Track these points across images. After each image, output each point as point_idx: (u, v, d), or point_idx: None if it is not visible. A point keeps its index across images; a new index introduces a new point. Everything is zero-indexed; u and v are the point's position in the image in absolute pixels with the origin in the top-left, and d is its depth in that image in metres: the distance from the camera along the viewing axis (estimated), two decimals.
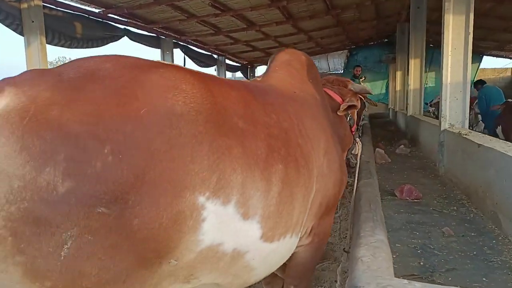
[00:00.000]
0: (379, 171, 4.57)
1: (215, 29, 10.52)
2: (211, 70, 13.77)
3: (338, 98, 2.74)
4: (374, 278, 1.52)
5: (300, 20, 10.59)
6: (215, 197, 1.25)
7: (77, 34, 6.99)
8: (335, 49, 17.64)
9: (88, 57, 1.30)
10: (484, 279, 2.08)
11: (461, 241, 2.64)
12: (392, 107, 14.68)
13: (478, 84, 8.48)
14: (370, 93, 2.95)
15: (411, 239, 2.69)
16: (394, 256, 2.10)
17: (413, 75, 8.70)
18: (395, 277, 1.56)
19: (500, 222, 2.88)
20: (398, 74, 12.77)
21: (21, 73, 1.16)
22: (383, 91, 17.79)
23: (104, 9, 7.62)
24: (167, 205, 1.11)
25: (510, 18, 11.12)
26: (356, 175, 3.01)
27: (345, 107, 2.59)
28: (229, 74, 15.95)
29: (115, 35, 8.14)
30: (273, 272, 1.86)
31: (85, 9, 7.30)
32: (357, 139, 3.04)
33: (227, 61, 15.32)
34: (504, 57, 17.79)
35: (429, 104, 12.33)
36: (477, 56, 15.84)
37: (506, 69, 18.69)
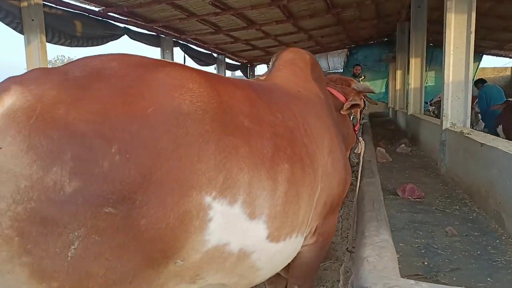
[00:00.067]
0: (380, 170, 4.55)
1: (215, 28, 10.50)
2: (211, 69, 13.75)
3: (341, 97, 2.73)
4: (380, 279, 1.51)
5: (300, 19, 10.56)
6: (221, 196, 1.24)
7: (77, 32, 6.97)
8: (335, 48, 17.62)
9: (93, 55, 1.28)
10: (489, 279, 2.08)
11: (464, 240, 2.63)
12: (392, 106, 14.68)
13: (479, 83, 8.46)
14: (374, 92, 2.94)
15: (414, 238, 2.68)
16: (398, 256, 2.08)
17: (414, 74, 8.70)
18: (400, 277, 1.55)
19: (504, 222, 2.87)
20: (398, 73, 12.76)
21: (27, 72, 1.14)
22: (383, 90, 17.78)
23: (104, 7, 7.59)
24: (174, 205, 1.10)
25: (510, 17, 11.11)
26: (359, 174, 3.00)
27: (349, 106, 2.58)
28: (228, 73, 15.92)
29: (115, 34, 8.12)
30: (276, 272, 1.85)
31: (85, 8, 7.27)
32: (360, 138, 3.04)
33: (227, 60, 15.30)
34: (503, 56, 17.80)
35: (429, 103, 12.32)
36: (477, 55, 15.83)
37: (506, 68, 18.69)
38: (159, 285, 1.17)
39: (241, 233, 1.34)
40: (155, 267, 1.13)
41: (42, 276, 0.97)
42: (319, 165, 1.82)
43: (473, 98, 7.59)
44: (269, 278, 2.24)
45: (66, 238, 0.95)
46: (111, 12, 7.80)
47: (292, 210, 1.55)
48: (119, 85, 1.14)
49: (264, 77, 3.31)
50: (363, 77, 11.61)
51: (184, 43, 11.41)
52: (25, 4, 5.79)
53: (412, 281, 1.44)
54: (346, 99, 2.74)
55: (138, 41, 9.17)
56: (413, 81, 8.73)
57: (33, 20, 5.88)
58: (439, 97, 11.55)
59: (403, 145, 6.83)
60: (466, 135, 3.96)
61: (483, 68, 18.05)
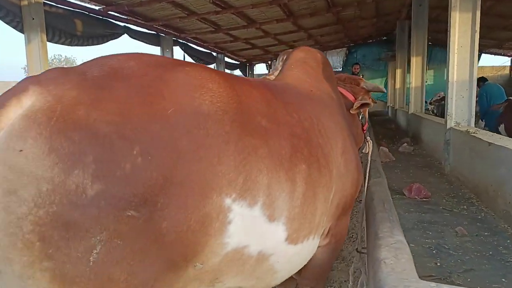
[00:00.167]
0: (384, 170, 4.53)
1: (215, 26, 10.47)
2: None
3: (350, 96, 2.71)
4: (400, 281, 1.49)
5: (300, 18, 10.55)
6: (241, 198, 1.22)
7: (78, 31, 6.93)
8: (334, 47, 17.63)
9: (109, 55, 1.27)
10: (503, 279, 2.06)
11: (475, 240, 2.61)
12: (392, 105, 14.68)
13: (479, 81, 8.43)
14: (383, 91, 2.92)
15: (425, 239, 2.67)
16: None
17: (415, 73, 8.69)
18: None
19: None
20: (398, 72, 12.77)
21: (44, 72, 1.12)
22: None
23: (104, 6, 7.55)
24: (194, 207, 1.09)
25: (510, 16, 11.12)
26: (367, 174, 2.98)
27: (358, 105, 2.56)
28: (227, 72, 15.92)
29: (115, 33, 8.08)
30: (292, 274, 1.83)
31: (85, 6, 7.23)
32: (368, 138, 3.02)
33: (226, 59, 15.28)
34: (502, 55, 17.86)
35: (428, 102, 12.33)
36: None
37: (505, 67, 18.76)
38: None
39: (260, 235, 1.33)
40: (175, 270, 1.11)
41: (63, 281, 0.95)
42: (333, 166, 1.80)
43: None
44: None
45: (88, 242, 0.93)
46: (111, 11, 7.76)
47: (309, 211, 1.54)
48: (139, 85, 1.12)
49: (272, 76, 3.29)
50: (362, 76, 11.61)
51: (183, 42, 11.39)
52: (25, 2, 5.75)
53: (433, 284, 1.42)
54: (355, 98, 2.72)
55: (138, 40, 9.15)
56: (414, 80, 8.73)
57: (33, 19, 5.84)
58: (439, 96, 11.61)
59: (405, 144, 6.82)
60: (473, 134, 3.94)
61: (482, 67, 18.10)
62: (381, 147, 5.93)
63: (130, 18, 8.55)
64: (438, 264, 2.28)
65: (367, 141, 2.97)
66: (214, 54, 14.25)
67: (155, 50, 10.28)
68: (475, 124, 4.87)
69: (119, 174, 0.97)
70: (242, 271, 1.35)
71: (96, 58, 1.25)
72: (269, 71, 19.06)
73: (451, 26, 4.62)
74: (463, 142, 4.24)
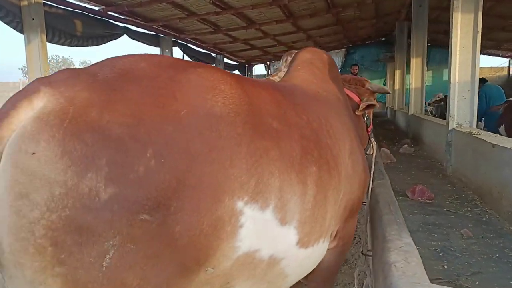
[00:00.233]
0: (386, 171, 4.52)
1: (214, 27, 10.46)
2: None
3: (355, 98, 2.70)
4: (412, 285, 1.48)
5: (300, 19, 10.55)
6: (253, 202, 1.21)
7: (77, 32, 6.90)
8: (333, 48, 17.62)
9: (120, 56, 1.25)
10: None
11: (481, 243, 2.60)
12: (391, 106, 14.69)
13: (479, 82, 8.45)
14: (389, 93, 2.91)
15: (430, 241, 2.65)
16: None
17: (415, 74, 8.69)
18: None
19: None
20: (397, 73, 12.78)
21: (55, 73, 1.10)
22: None
23: (104, 6, 7.53)
24: (207, 211, 1.07)
25: (509, 17, 11.15)
26: (371, 176, 2.96)
27: (364, 106, 2.54)
28: None
29: (115, 33, 8.06)
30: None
31: (85, 7, 7.20)
32: (372, 139, 3.00)
33: (225, 60, 15.27)
34: (500, 56, 17.89)
35: (427, 103, 12.34)
36: None
37: (503, 68, 18.80)
38: None
39: (272, 239, 1.31)
40: (187, 275, 1.09)
41: (75, 287, 0.93)
42: (342, 167, 1.78)
43: None
44: None
45: (101, 247, 0.92)
46: (111, 11, 7.73)
47: (320, 214, 1.53)
48: (151, 86, 1.10)
49: (275, 77, 3.28)
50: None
51: (183, 42, 11.37)
52: (25, 3, 5.71)
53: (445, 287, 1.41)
54: (360, 100, 2.70)
55: (138, 40, 9.13)
56: (414, 81, 8.73)
57: (33, 19, 5.80)
58: (438, 97, 11.61)
59: (405, 145, 6.81)
60: (476, 135, 3.93)
61: (480, 68, 17.98)
62: (382, 148, 5.92)
63: (130, 18, 8.53)
64: (446, 267, 2.27)
65: (371, 143, 2.96)
66: (213, 55, 14.24)
67: (155, 51, 10.24)
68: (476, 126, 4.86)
69: (133, 177, 0.95)
70: (253, 275, 1.33)
71: (106, 59, 1.23)
72: (267, 72, 19.07)
73: (453, 27, 4.61)
74: (466, 143, 4.23)
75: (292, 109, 1.56)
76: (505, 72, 18.68)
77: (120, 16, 8.23)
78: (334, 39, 15.34)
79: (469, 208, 3.39)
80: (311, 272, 2.04)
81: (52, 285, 0.92)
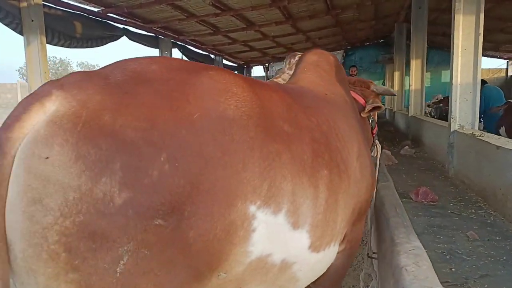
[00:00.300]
0: (388, 173, 4.52)
1: (214, 28, 10.45)
2: None
3: (361, 100, 2.68)
4: None
5: (299, 20, 10.56)
6: (266, 206, 1.19)
7: (77, 33, 6.87)
8: (332, 49, 17.64)
9: (131, 58, 1.23)
10: None
11: (487, 245, 2.59)
12: (390, 107, 14.71)
13: None
14: (394, 95, 2.90)
15: (436, 243, 2.64)
16: None
17: (414, 75, 8.70)
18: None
19: None
20: (396, 74, 12.80)
21: (66, 76, 1.08)
22: None
23: (103, 8, 7.50)
24: (220, 215, 1.06)
25: (508, 19, 11.18)
26: (376, 178, 2.94)
27: (370, 108, 2.53)
28: None
29: (114, 35, 8.04)
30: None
31: (84, 8, 7.18)
32: (376, 142, 2.99)
33: (224, 61, 15.27)
34: (498, 58, 17.95)
35: (426, 105, 12.35)
36: None
37: (501, 69, 18.87)
38: None
39: (284, 243, 1.30)
40: (200, 280, 1.08)
41: None
42: (351, 171, 1.77)
43: None
44: None
45: (115, 253, 0.90)
46: (110, 13, 7.71)
47: (332, 218, 1.51)
48: (164, 89, 1.08)
49: (279, 79, 3.26)
50: None
51: (182, 44, 11.36)
52: (24, 4, 5.69)
53: None
54: (365, 102, 2.69)
55: (137, 42, 9.11)
56: (414, 82, 8.73)
57: (32, 20, 5.78)
58: (437, 98, 11.62)
59: (406, 147, 6.81)
60: (479, 137, 3.92)
61: None
62: (383, 150, 5.92)
63: (129, 20, 8.51)
64: (453, 269, 2.25)
65: (376, 145, 2.95)
66: (212, 56, 14.24)
67: (154, 52, 10.22)
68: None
69: (147, 182, 0.93)
70: (265, 280, 1.32)
71: (117, 61, 1.21)
72: (266, 74, 19.08)
73: (454, 29, 4.61)
74: (468, 145, 4.22)
75: (302, 112, 1.55)
76: (503, 74, 18.75)
77: (120, 18, 8.21)
78: (333, 40, 15.37)
79: (473, 210, 3.38)
80: (319, 276, 2.03)
81: None
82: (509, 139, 3.81)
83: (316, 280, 2.04)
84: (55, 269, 0.89)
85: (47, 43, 6.12)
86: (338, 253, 1.95)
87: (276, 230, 1.25)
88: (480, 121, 7.79)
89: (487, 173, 3.61)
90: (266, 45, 14.00)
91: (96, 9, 7.46)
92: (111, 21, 8.00)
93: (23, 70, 47.19)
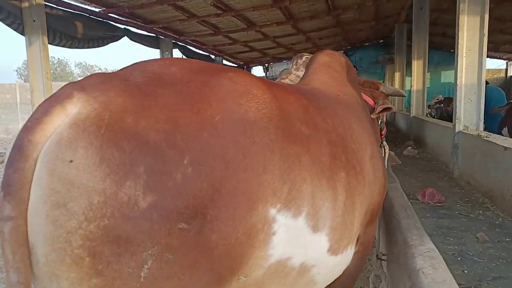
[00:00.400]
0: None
1: (214, 29, 10.44)
2: None
3: (370, 101, 2.66)
4: None
5: (300, 21, 10.55)
6: (286, 209, 1.18)
7: (78, 34, 6.85)
8: (331, 50, 17.64)
9: (149, 60, 1.22)
10: None
11: (498, 247, 2.58)
12: None
13: None
14: (404, 95, 2.88)
15: (447, 245, 2.63)
16: None
17: (416, 76, 8.69)
18: None
19: None
20: (397, 75, 12.81)
21: (86, 78, 1.06)
22: None
23: (104, 8, 7.48)
24: (242, 219, 1.05)
25: (507, 19, 11.20)
26: (387, 179, 2.92)
27: (380, 109, 2.51)
28: None
29: (115, 35, 8.02)
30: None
31: (86, 8, 7.15)
32: (384, 143, 2.98)
33: (224, 62, 15.26)
34: (498, 58, 17.99)
35: (426, 105, 12.35)
36: None
37: (500, 70, 18.90)
38: None
39: (304, 246, 1.28)
40: (220, 284, 1.07)
41: None
42: (366, 172, 1.76)
43: None
44: None
45: (139, 257, 0.89)
46: (111, 13, 7.69)
47: (349, 220, 1.50)
48: (185, 91, 1.07)
49: (287, 80, 3.25)
50: None
51: (182, 44, 11.34)
52: (26, 4, 5.66)
53: None
54: (375, 103, 2.67)
55: (138, 42, 9.09)
56: (415, 83, 8.73)
57: (34, 21, 5.75)
58: (437, 99, 11.63)
59: (409, 147, 6.80)
60: (485, 138, 3.91)
61: None
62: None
63: (130, 20, 8.49)
64: (466, 271, 2.24)
65: (384, 146, 2.93)
66: (212, 56, 14.24)
67: (155, 53, 10.21)
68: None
69: (171, 185, 0.92)
70: (284, 283, 1.31)
71: (135, 63, 1.20)
72: (266, 74, 19.07)
73: (459, 30, 4.60)
74: (474, 146, 4.21)
75: (318, 114, 1.53)
76: (502, 74, 18.79)
77: (121, 18, 8.18)
78: (333, 41, 15.37)
79: (480, 211, 3.37)
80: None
81: None
82: None
83: (330, 284, 2.04)
84: (78, 274, 0.87)
85: (48, 43, 6.09)
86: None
87: (296, 233, 1.24)
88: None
89: (494, 174, 3.60)
90: (266, 46, 13.99)
91: (97, 9, 7.43)
92: (112, 21, 7.98)
93: (21, 70, 47.12)
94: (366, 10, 10.71)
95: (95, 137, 0.89)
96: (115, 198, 0.87)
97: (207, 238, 0.97)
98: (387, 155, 2.95)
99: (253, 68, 18.99)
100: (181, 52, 11.22)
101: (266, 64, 18.68)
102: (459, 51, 4.63)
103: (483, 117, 4.70)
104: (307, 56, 3.35)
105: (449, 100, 10.04)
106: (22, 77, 45.38)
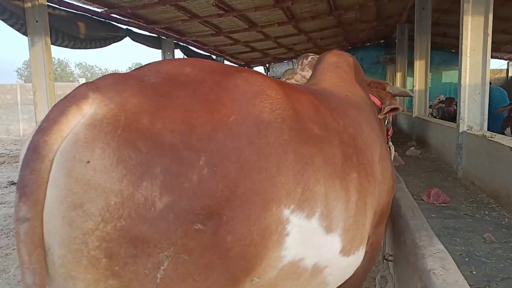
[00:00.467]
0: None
1: (216, 29, 10.44)
2: None
3: (377, 101, 2.65)
4: None
5: (302, 21, 10.56)
6: (299, 210, 1.18)
7: (80, 34, 6.85)
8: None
9: (162, 60, 1.23)
10: None
11: (505, 247, 2.57)
12: None
13: None
14: (411, 96, 2.87)
15: (454, 246, 2.62)
16: None
17: (418, 76, 8.68)
18: None
19: None
20: (398, 75, 12.81)
21: (100, 78, 1.06)
22: None
23: (107, 8, 7.48)
24: (256, 220, 1.05)
25: (509, 19, 11.19)
26: (395, 180, 2.92)
27: (388, 110, 2.50)
28: None
29: (117, 36, 8.02)
30: None
31: (88, 9, 7.15)
32: (390, 143, 2.97)
33: (225, 62, 15.27)
34: (499, 58, 17.98)
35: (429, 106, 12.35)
36: None
37: (501, 70, 18.88)
38: None
39: (316, 247, 1.29)
40: (235, 286, 1.07)
41: None
42: (376, 173, 1.75)
43: None
44: None
45: (156, 258, 0.89)
46: (113, 13, 7.69)
47: (361, 221, 1.50)
48: (199, 92, 1.07)
49: (292, 80, 3.24)
50: None
51: (184, 45, 11.34)
52: (29, 4, 5.65)
53: None
54: (381, 103, 2.66)
55: (140, 42, 9.09)
56: (418, 83, 8.72)
57: (37, 21, 5.74)
58: (439, 99, 11.62)
59: (412, 148, 6.79)
60: (490, 138, 3.90)
61: None
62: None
63: (132, 20, 8.49)
64: (474, 272, 2.23)
65: (389, 147, 2.93)
66: (214, 57, 14.24)
67: (156, 53, 10.23)
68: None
69: (187, 186, 0.92)
70: (297, 284, 1.31)
71: (149, 63, 1.21)
72: (267, 74, 19.05)
73: (463, 30, 4.59)
74: (479, 146, 4.20)
75: (329, 114, 1.53)
76: (503, 74, 18.77)
77: (123, 18, 8.18)
78: (334, 41, 15.37)
79: (486, 212, 3.36)
80: None
81: None
82: None
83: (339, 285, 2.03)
84: (95, 275, 0.87)
85: (51, 44, 6.08)
86: None
87: (309, 234, 1.24)
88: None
89: (500, 175, 3.59)
90: (267, 46, 14.00)
91: (99, 10, 7.43)
92: (114, 21, 7.98)
93: (22, 71, 47.11)
94: (368, 10, 10.71)
95: (112, 138, 0.89)
96: (132, 199, 0.87)
97: (223, 239, 0.97)
98: (392, 155, 2.94)
99: (254, 68, 18.98)
100: (182, 52, 11.23)
101: (267, 65, 18.69)
102: (463, 51, 4.62)
103: (487, 117, 4.69)
104: (312, 56, 3.35)
105: (451, 100, 10.03)
106: (23, 78, 45.38)
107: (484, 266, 2.29)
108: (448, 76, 17.28)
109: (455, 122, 5.02)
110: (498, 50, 16.19)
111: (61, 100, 0.96)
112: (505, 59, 17.99)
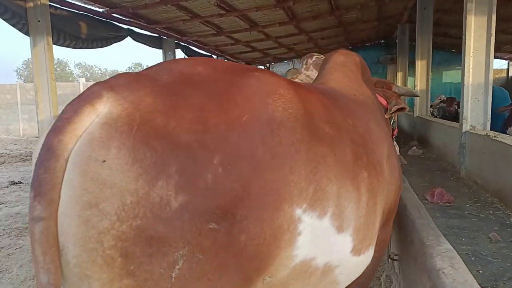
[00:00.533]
0: None
1: (217, 29, 10.44)
2: None
3: (383, 101, 2.66)
4: None
5: (303, 21, 10.55)
6: (311, 209, 1.18)
7: (82, 34, 6.85)
8: (333, 49, 17.62)
9: (174, 60, 1.23)
10: None
11: (511, 247, 2.57)
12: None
13: None
14: (417, 95, 2.88)
15: (459, 245, 2.62)
16: None
17: (420, 76, 8.67)
18: None
19: None
20: (399, 75, 12.82)
21: (114, 77, 1.05)
22: None
23: (108, 8, 7.47)
24: (269, 219, 1.05)
25: (509, 19, 11.18)
26: (402, 179, 2.92)
27: (395, 109, 2.50)
28: None
29: (119, 35, 8.02)
30: None
31: (89, 9, 7.14)
32: (395, 143, 2.97)
33: None
34: (499, 58, 17.98)
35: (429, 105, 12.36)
36: None
37: (502, 70, 18.89)
38: None
39: (328, 247, 1.28)
40: (248, 285, 1.07)
41: None
42: (384, 173, 1.75)
43: None
44: None
45: (171, 257, 0.89)
46: (115, 13, 7.68)
47: (371, 221, 1.50)
48: (212, 91, 1.06)
49: (297, 79, 3.23)
50: None
51: (185, 44, 11.34)
52: (31, 4, 5.65)
53: None
54: (387, 103, 2.66)
55: (141, 42, 9.10)
56: (419, 83, 8.70)
57: (39, 21, 5.74)
58: (440, 99, 11.62)
59: (414, 147, 6.79)
60: (494, 138, 3.90)
61: None
62: None
63: (133, 20, 8.48)
64: (481, 271, 2.23)
65: (394, 146, 2.92)
66: (214, 57, 14.22)
67: (158, 53, 10.22)
68: None
69: (202, 185, 0.92)
70: (308, 283, 1.30)
71: (161, 63, 1.21)
72: None
73: (466, 30, 4.60)
74: (482, 146, 4.20)
75: (339, 113, 1.53)
76: (504, 74, 18.77)
77: (124, 18, 8.18)
78: (335, 41, 15.35)
79: (491, 211, 3.36)
80: None
81: None
82: None
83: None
84: (110, 275, 0.87)
85: (53, 43, 6.08)
86: None
87: (321, 234, 1.23)
88: None
89: (504, 174, 3.59)
90: (268, 46, 14.00)
91: (101, 10, 7.43)
92: (116, 21, 7.98)
93: (21, 71, 47.07)
94: (369, 10, 10.71)
95: (127, 137, 0.88)
96: (147, 198, 0.87)
97: (236, 238, 0.97)
98: (397, 155, 2.94)
99: None
100: (183, 52, 11.23)
101: (268, 64, 18.69)
102: (466, 51, 4.62)
103: (490, 117, 4.69)
104: (317, 56, 3.35)
105: (451, 100, 10.04)
106: (22, 78, 45.34)
107: (490, 265, 2.29)
108: (449, 76, 17.28)
109: (456, 122, 5.03)
110: (498, 50, 16.18)
111: (74, 99, 0.96)
112: (506, 59, 17.99)
